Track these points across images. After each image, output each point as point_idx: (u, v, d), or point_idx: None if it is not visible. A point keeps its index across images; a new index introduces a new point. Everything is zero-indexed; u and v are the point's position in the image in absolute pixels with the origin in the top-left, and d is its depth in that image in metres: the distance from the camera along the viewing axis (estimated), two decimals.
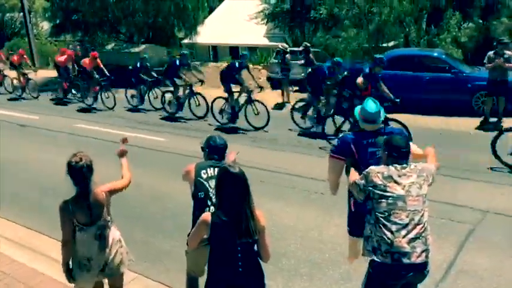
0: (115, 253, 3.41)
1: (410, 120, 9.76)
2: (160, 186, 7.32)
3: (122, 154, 3.78)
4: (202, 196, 3.48)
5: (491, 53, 10.04)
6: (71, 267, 3.38)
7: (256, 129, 10.73)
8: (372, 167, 3.27)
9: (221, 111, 11.40)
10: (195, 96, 12.37)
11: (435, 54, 12.65)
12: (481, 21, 17.29)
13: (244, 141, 9.82)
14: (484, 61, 10.11)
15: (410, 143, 3.59)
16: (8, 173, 8.06)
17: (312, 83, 10.56)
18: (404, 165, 3.21)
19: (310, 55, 13.05)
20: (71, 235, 3.28)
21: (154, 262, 5.06)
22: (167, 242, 5.50)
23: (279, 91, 14.64)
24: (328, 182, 3.96)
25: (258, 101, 10.98)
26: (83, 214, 3.24)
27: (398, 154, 3.23)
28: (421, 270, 3.13)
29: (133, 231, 5.61)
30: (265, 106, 10.83)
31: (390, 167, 3.20)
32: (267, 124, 10.60)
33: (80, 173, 3.20)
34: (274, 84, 16.30)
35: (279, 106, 13.57)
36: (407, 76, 11.82)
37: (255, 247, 2.92)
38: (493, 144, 7.56)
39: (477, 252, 5.03)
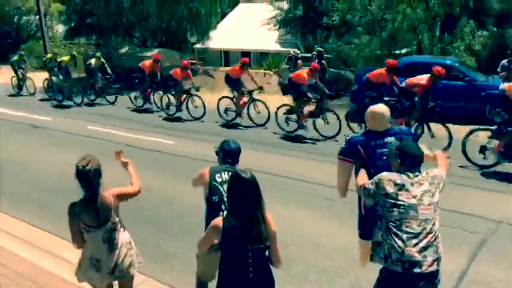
0: (124, 255, 3.42)
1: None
2: (170, 188, 7.34)
3: (125, 165, 3.75)
4: (216, 200, 3.49)
5: (504, 61, 9.95)
6: (80, 265, 3.42)
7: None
8: (383, 173, 3.22)
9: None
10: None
11: (448, 62, 12.54)
12: (495, 29, 17.14)
13: (255, 145, 9.82)
14: (498, 69, 10.02)
15: (420, 145, 3.58)
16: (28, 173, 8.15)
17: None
18: (417, 173, 3.18)
19: (323, 61, 13.04)
20: (78, 237, 3.33)
21: (163, 264, 5.08)
22: (175, 244, 5.52)
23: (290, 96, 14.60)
24: (337, 184, 3.95)
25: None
26: (90, 217, 3.27)
27: (412, 162, 3.19)
28: (432, 279, 3.10)
29: (143, 233, 5.64)
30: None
31: (402, 175, 3.16)
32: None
33: (87, 176, 3.21)
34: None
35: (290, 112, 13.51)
36: None
37: (266, 252, 2.91)
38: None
39: (490, 263, 4.96)
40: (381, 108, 3.78)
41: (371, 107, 3.85)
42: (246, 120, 12.05)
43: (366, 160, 3.62)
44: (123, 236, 3.45)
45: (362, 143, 3.67)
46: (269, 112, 11.58)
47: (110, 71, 15.64)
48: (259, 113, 11.85)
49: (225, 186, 3.38)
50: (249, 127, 11.76)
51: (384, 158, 3.55)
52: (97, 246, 3.33)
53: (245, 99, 11.88)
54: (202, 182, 3.63)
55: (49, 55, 17.35)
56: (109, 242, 3.35)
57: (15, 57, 17.63)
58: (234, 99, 12.01)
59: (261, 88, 12.21)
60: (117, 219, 3.40)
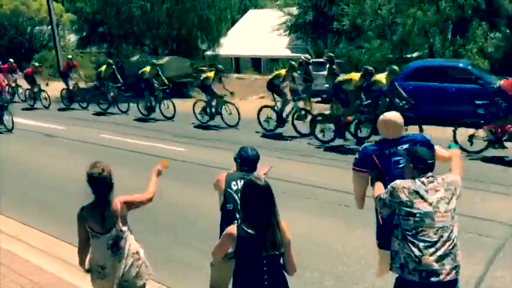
0: (130, 265, 3.37)
1: (437, 130, 9.61)
2: (183, 196, 7.35)
3: (158, 174, 3.78)
4: (231, 208, 3.47)
5: None
6: (87, 269, 3.42)
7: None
8: (397, 181, 3.16)
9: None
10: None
11: (461, 65, 12.44)
12: (508, 31, 16.97)
13: (267, 151, 9.80)
14: None
15: (436, 147, 3.51)
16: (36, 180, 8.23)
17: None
18: (431, 178, 3.10)
19: (334, 66, 12.99)
20: (85, 241, 3.33)
21: (176, 272, 5.06)
22: (188, 253, 5.51)
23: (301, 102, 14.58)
24: (354, 196, 3.88)
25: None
26: (96, 222, 3.27)
27: (424, 166, 3.13)
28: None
29: (156, 241, 5.64)
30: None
31: (417, 181, 3.10)
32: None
33: (99, 182, 3.23)
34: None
35: (300, 117, 13.48)
36: (433, 87, 11.64)
37: (281, 260, 2.89)
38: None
39: (507, 269, 4.87)
40: (393, 115, 3.71)
41: (383, 114, 3.77)
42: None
43: (381, 169, 3.55)
44: (131, 246, 3.41)
45: (376, 153, 3.59)
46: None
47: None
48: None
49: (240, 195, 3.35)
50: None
51: (400, 166, 3.47)
52: (101, 253, 3.32)
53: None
54: (218, 188, 3.62)
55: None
56: (114, 250, 3.32)
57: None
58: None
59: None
60: (125, 228, 3.37)
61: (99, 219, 3.26)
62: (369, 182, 3.70)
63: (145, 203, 3.54)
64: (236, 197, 3.46)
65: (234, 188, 3.51)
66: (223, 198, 3.53)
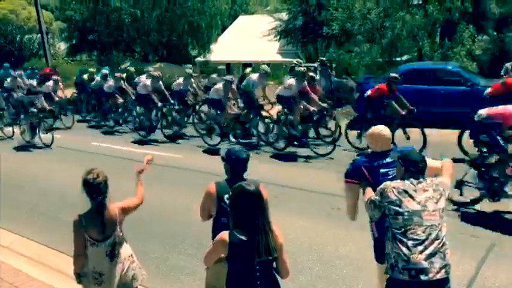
0: (127, 269, 3.42)
1: (426, 133, 9.68)
2: (176, 202, 7.34)
3: (141, 172, 3.77)
4: (225, 222, 3.29)
5: (508, 64, 9.95)
6: (81, 279, 3.41)
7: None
8: (387, 182, 3.26)
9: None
10: None
11: (450, 67, 12.58)
12: (495, 33, 17.16)
13: (259, 156, 9.82)
14: (501, 73, 10.02)
15: (426, 158, 3.57)
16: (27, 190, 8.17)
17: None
18: (421, 179, 3.19)
19: (329, 70, 13.09)
20: (82, 249, 3.32)
21: (171, 278, 5.06)
22: (183, 258, 5.50)
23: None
24: (346, 207, 3.95)
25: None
26: (96, 230, 3.28)
27: (416, 169, 3.22)
28: (440, 287, 3.07)
29: (150, 247, 5.62)
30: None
31: (406, 181, 3.18)
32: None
33: (96, 189, 3.25)
34: None
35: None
36: (423, 90, 11.76)
37: (274, 264, 2.90)
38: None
39: (499, 268, 4.92)
40: (381, 129, 3.83)
41: (371, 128, 3.92)
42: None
43: (371, 181, 3.65)
44: (125, 250, 3.45)
45: (365, 164, 3.74)
46: None
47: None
48: None
49: None
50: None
51: (388, 177, 3.57)
52: (100, 260, 3.33)
53: None
54: (210, 201, 3.48)
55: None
56: (112, 255, 3.34)
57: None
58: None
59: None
60: (121, 233, 3.41)
61: (99, 226, 3.28)
62: (360, 193, 3.78)
63: (137, 207, 3.56)
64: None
65: (228, 201, 3.27)
66: (216, 211, 3.42)
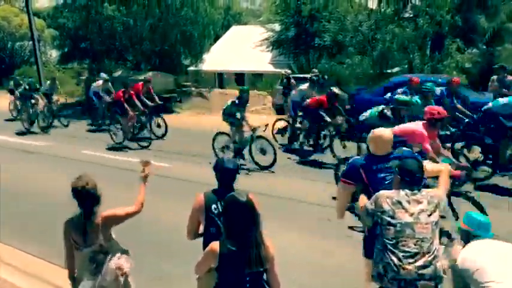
0: (111, 281, 3.32)
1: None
2: (170, 211, 7.30)
3: (145, 178, 3.77)
4: (214, 232, 3.35)
5: (494, 77, 10.16)
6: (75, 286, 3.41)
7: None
8: (381, 192, 3.25)
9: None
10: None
11: (440, 80, 12.69)
12: (485, 47, 17.42)
13: (248, 166, 9.81)
14: (488, 84, 10.25)
15: (426, 162, 3.59)
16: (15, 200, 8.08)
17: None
18: (415, 191, 3.19)
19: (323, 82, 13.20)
20: (70, 252, 3.38)
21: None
22: (173, 267, 5.46)
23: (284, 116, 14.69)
24: (336, 205, 3.95)
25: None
26: (78, 235, 3.30)
27: (412, 179, 3.21)
28: None
29: (145, 258, 5.57)
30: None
31: (400, 191, 3.19)
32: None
33: (83, 195, 3.25)
34: (280, 110, 16.38)
35: (281, 131, 13.54)
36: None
37: (264, 276, 2.89)
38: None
39: None
40: (382, 132, 3.81)
41: (373, 130, 3.89)
42: None
43: (368, 183, 3.62)
44: (112, 261, 3.35)
45: (364, 166, 3.70)
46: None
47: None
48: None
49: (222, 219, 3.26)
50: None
51: (386, 182, 3.55)
52: (81, 265, 3.33)
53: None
54: (198, 212, 3.48)
55: None
56: (92, 263, 3.30)
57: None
58: None
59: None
60: (108, 243, 3.35)
61: (80, 233, 3.28)
62: (351, 197, 3.77)
63: (134, 214, 3.53)
64: (218, 221, 3.33)
65: (215, 211, 3.37)
66: (205, 221, 3.42)
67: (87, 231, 3.28)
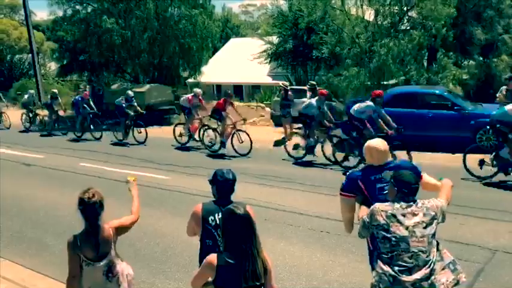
0: (128, 286, 3.38)
1: (414, 157, 9.75)
2: (165, 225, 7.26)
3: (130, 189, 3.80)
4: (210, 244, 3.33)
5: (503, 87, 10.31)
6: None
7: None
8: (377, 204, 3.23)
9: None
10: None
11: (437, 91, 12.76)
12: (481, 58, 17.54)
13: (248, 178, 9.79)
14: (497, 94, 10.36)
15: (424, 174, 3.58)
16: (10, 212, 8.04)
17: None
18: (411, 203, 3.16)
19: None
20: (77, 270, 3.27)
21: None
22: (168, 281, 5.42)
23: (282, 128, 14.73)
24: (343, 220, 3.91)
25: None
26: (91, 250, 3.25)
27: (408, 190, 3.19)
28: None
29: (138, 271, 5.53)
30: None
31: (395, 204, 3.16)
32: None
33: (92, 208, 3.23)
34: (278, 121, 16.42)
35: (278, 143, 13.55)
36: (410, 113, 11.89)
37: None
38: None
39: None
40: (377, 142, 3.81)
41: (368, 141, 3.89)
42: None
43: (367, 194, 3.63)
44: (121, 267, 3.40)
45: (361, 178, 3.71)
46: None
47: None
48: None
49: (219, 231, 3.22)
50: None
51: (384, 192, 3.55)
52: (97, 281, 3.28)
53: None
54: (196, 223, 3.47)
55: None
56: (109, 276, 3.31)
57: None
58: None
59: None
60: (114, 253, 3.37)
61: (93, 246, 3.25)
62: (356, 206, 3.75)
63: (133, 224, 3.54)
64: (215, 234, 3.31)
65: (213, 223, 3.35)
66: (202, 233, 3.40)
67: (99, 244, 3.25)
